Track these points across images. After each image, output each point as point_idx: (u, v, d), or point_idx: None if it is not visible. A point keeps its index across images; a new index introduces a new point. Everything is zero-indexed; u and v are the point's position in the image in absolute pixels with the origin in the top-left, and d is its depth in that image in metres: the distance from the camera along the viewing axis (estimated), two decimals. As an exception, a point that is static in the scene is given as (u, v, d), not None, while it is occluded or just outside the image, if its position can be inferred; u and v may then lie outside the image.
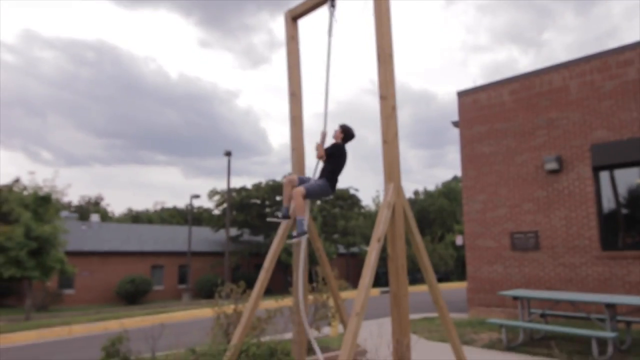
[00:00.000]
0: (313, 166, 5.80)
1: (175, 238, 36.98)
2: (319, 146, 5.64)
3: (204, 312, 15.44)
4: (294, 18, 6.37)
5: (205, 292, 29.99)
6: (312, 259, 6.11)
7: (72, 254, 25.34)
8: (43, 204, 20.29)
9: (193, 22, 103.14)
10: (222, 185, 42.17)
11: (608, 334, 6.60)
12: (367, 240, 35.86)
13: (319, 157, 5.66)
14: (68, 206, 50.04)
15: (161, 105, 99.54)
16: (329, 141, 5.80)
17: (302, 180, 5.72)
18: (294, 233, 5.57)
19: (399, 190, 5.07)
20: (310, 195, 5.52)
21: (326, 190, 5.62)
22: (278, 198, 36.34)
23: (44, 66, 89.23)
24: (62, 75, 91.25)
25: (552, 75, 10.77)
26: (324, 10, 5.98)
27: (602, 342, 6.83)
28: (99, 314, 19.64)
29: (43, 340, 13.00)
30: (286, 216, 5.70)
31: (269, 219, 6.33)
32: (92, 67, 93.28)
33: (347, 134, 5.78)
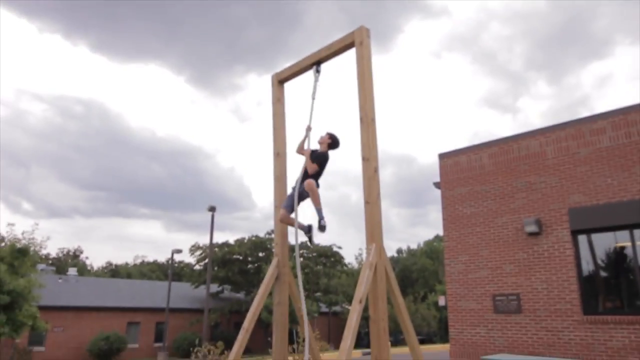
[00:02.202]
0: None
1: (154, 294, 35.93)
2: (309, 163, 5.72)
3: (180, 373, 14.81)
4: (280, 81, 6.55)
5: (183, 352, 28.87)
6: (293, 319, 5.99)
7: (45, 308, 24.37)
8: (19, 256, 19.71)
9: (184, 79, 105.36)
10: (204, 240, 41.66)
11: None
12: (349, 298, 35.27)
13: (299, 153, 5.90)
14: (46, 259, 48.67)
15: (146, 159, 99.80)
16: (314, 144, 5.91)
17: (288, 203, 5.78)
18: (323, 222, 5.57)
19: (381, 250, 5.07)
20: (316, 178, 5.65)
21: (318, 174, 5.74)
22: (261, 254, 35.90)
23: (31, 119, 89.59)
24: (48, 128, 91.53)
25: (529, 140, 11.10)
26: (309, 74, 6.19)
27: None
28: (69, 374, 18.69)
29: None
30: (306, 228, 5.75)
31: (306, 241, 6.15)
32: (79, 120, 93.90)
33: (333, 141, 5.86)
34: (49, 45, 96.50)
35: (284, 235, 6.13)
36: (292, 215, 5.74)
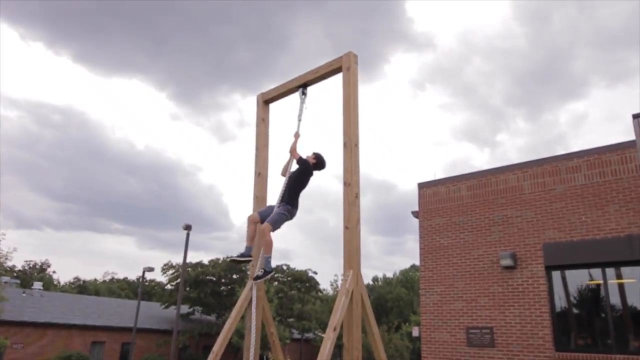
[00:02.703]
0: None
1: (121, 312, 34.95)
2: (294, 144, 5.71)
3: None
4: (265, 102, 6.55)
5: (148, 374, 27.95)
6: (265, 344, 5.85)
7: (6, 323, 23.52)
8: (-17, 267, 19.07)
9: (166, 95, 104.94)
10: (178, 259, 41.01)
11: None
12: (322, 325, 34.84)
13: (292, 152, 5.75)
14: (10, 271, 47.13)
15: (123, 173, 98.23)
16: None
17: (263, 214, 5.59)
18: (260, 272, 5.41)
19: (358, 277, 5.01)
20: (276, 227, 5.38)
21: (289, 214, 5.51)
22: (235, 276, 35.34)
23: (6, 124, 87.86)
24: (23, 135, 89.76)
25: (507, 175, 11.27)
26: (294, 96, 6.21)
27: None
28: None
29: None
30: (247, 255, 5.51)
31: (230, 258, 5.87)
32: (56, 129, 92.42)
33: (319, 161, 5.82)
34: (30, 53, 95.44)
35: (260, 258, 6.04)
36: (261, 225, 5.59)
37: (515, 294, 10.40)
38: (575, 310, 10.11)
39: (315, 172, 5.86)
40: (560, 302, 10.07)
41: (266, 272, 5.44)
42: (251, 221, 5.64)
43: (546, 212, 10.43)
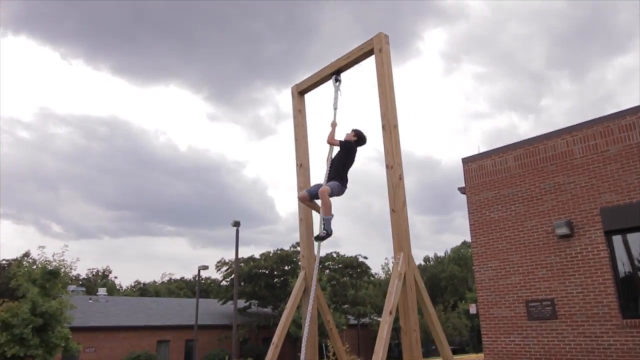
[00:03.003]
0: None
1: (182, 311, 36.18)
2: (331, 133, 5.77)
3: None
4: (300, 93, 6.56)
5: (213, 368, 28.89)
6: (322, 332, 5.91)
7: (77, 329, 24.72)
8: (51, 278, 20.06)
9: (202, 97, 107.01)
10: (230, 255, 41.89)
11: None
12: (378, 310, 34.87)
13: (330, 143, 5.77)
14: (76, 280, 49.53)
15: (170, 176, 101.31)
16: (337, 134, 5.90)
17: (312, 191, 5.75)
18: (322, 233, 5.47)
19: (409, 259, 4.98)
20: (332, 193, 5.51)
21: (341, 189, 5.64)
22: (287, 267, 35.86)
23: (58, 141, 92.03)
24: (74, 150, 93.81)
25: (556, 140, 10.87)
26: (329, 84, 6.19)
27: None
28: (102, 394, 18.84)
29: None
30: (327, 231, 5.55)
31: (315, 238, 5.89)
32: (104, 141, 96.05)
33: (359, 137, 5.86)
34: (72, 70, 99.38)
35: (310, 248, 6.09)
36: (315, 201, 5.77)
37: (575, 262, 10.08)
38: (640, 275, 9.71)
39: (359, 149, 5.92)
40: (624, 268, 9.69)
41: (328, 234, 5.48)
42: (303, 199, 5.83)
43: (601, 175, 10.01)
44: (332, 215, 5.48)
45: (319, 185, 5.70)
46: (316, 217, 6.21)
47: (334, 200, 5.54)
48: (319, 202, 5.68)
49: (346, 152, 5.78)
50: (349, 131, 5.92)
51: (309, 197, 5.77)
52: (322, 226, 5.49)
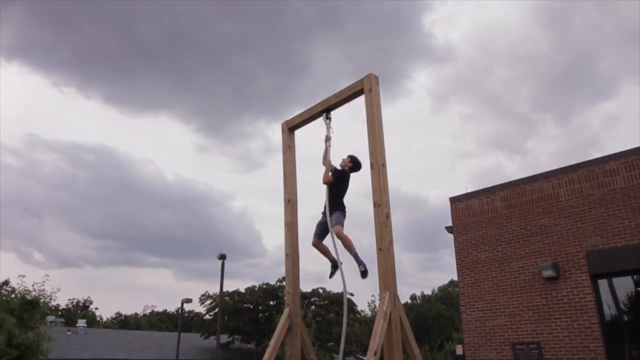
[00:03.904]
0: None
1: (163, 345, 35.27)
2: (325, 172, 5.81)
3: None
4: (290, 129, 6.62)
5: (192, 406, 27.97)
6: (306, 371, 5.79)
7: (53, 362, 23.93)
8: (29, 309, 19.57)
9: (192, 128, 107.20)
10: (214, 289, 41.12)
11: None
12: (363, 348, 34.22)
13: (325, 182, 5.77)
14: (55, 310, 48.27)
15: (156, 206, 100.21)
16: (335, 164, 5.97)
17: (319, 233, 5.84)
18: (362, 268, 5.42)
19: (395, 298, 4.93)
20: (342, 224, 5.59)
21: (343, 217, 5.69)
22: (272, 302, 35.31)
23: (45, 168, 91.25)
24: (60, 177, 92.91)
25: (542, 182, 11.01)
26: (319, 120, 6.25)
27: None
28: None
29: None
30: (335, 265, 5.74)
31: (330, 276, 5.98)
32: (90, 169, 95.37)
33: (355, 163, 5.92)
34: (62, 98, 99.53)
35: (296, 284, 6.03)
36: (325, 243, 5.82)
37: (561, 305, 10.05)
38: (626, 319, 9.68)
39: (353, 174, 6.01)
40: (610, 312, 9.68)
41: (365, 267, 5.45)
42: (316, 245, 5.88)
43: (586, 218, 10.11)
44: (337, 261, 5.62)
45: (322, 225, 5.77)
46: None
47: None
48: (325, 242, 5.78)
49: (341, 182, 5.84)
50: (345, 157, 6.01)
51: (320, 241, 5.85)
52: (358, 263, 5.46)
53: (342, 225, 5.58)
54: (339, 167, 5.98)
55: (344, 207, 5.82)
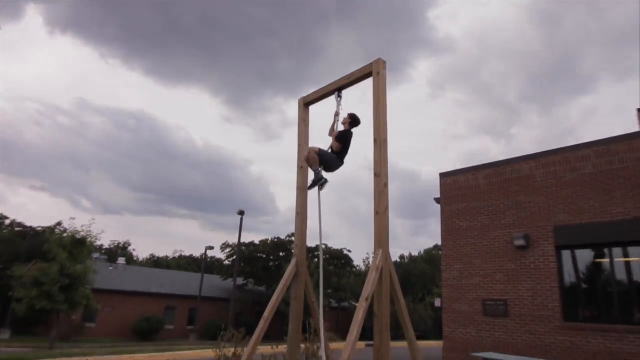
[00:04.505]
0: (314, 227, 5.75)
1: (189, 283, 36.06)
2: (333, 140, 5.72)
3: (207, 353, 14.70)
4: (306, 104, 6.54)
5: (211, 335, 28.73)
6: (307, 311, 5.89)
7: (97, 291, 24.58)
8: (78, 246, 20.01)
9: (220, 101, 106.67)
10: (233, 239, 41.78)
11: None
12: (356, 297, 34.80)
13: (334, 145, 5.69)
14: (99, 249, 49.20)
15: (187, 167, 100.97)
16: (339, 126, 5.92)
17: (324, 157, 5.66)
18: (310, 182, 5.56)
19: (387, 256, 4.96)
20: (322, 157, 5.52)
21: (337, 163, 5.63)
22: (281, 254, 35.79)
23: (92, 129, 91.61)
24: (105, 137, 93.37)
25: (521, 165, 10.90)
26: (330, 99, 6.17)
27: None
28: (114, 348, 18.72)
29: (60, 370, 12.28)
30: (320, 178, 5.59)
31: (309, 188, 5.88)
32: (131, 131, 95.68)
33: (353, 120, 5.79)
34: (109, 69, 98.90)
35: (303, 239, 6.07)
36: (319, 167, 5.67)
37: (528, 270, 10.10)
38: (583, 286, 9.72)
39: (352, 140, 5.87)
40: (569, 278, 9.72)
41: (314, 182, 5.50)
42: (307, 157, 5.73)
43: (557, 197, 10.04)
44: (320, 170, 5.52)
45: (324, 157, 5.63)
46: (310, 214, 6.20)
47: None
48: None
49: (343, 141, 5.70)
50: (345, 115, 5.88)
51: (315, 157, 5.60)
52: (315, 173, 5.54)
53: (320, 154, 5.51)
54: (342, 127, 5.85)
55: (342, 159, 5.70)
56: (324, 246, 37.07)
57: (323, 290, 5.47)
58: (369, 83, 5.59)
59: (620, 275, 9.11)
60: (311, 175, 6.09)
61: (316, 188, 5.61)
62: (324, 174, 5.65)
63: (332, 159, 5.61)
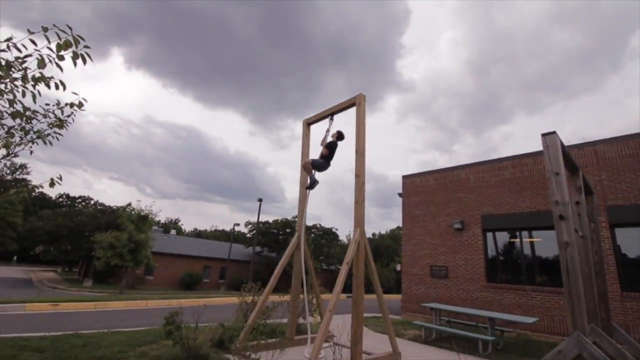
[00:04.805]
0: (313, 215, 5.83)
1: (220, 250, 35.99)
2: (323, 147, 5.70)
3: (233, 300, 14.71)
4: (308, 124, 6.56)
5: (236, 287, 28.74)
6: (305, 271, 5.92)
7: (155, 253, 24.54)
8: (142, 220, 19.95)
9: (247, 120, 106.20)
10: (253, 219, 41.58)
11: (489, 338, 6.28)
12: (340, 262, 34.85)
13: (324, 151, 5.68)
14: (157, 223, 48.88)
15: (222, 167, 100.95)
16: (329, 138, 5.90)
17: (314, 163, 5.72)
18: (308, 185, 5.61)
19: (362, 233, 5.01)
20: (314, 164, 5.54)
21: (325, 165, 5.60)
22: (288, 230, 35.72)
23: (155, 138, 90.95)
24: (165, 144, 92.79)
25: (459, 171, 10.95)
26: (325, 121, 6.19)
27: (485, 343, 6.48)
28: (166, 295, 18.68)
29: (129, 308, 12.25)
30: (312, 182, 5.66)
31: (307, 189, 5.84)
32: (183, 140, 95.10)
33: (339, 135, 5.81)
34: (168, 95, 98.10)
35: (304, 219, 6.10)
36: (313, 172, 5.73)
37: (463, 246, 10.17)
38: (500, 258, 9.81)
39: (337, 151, 5.89)
40: (491, 252, 9.80)
41: (311, 184, 5.51)
42: (305, 166, 5.76)
43: (484, 195, 10.11)
44: (316, 180, 5.61)
45: (314, 162, 5.69)
46: (310, 200, 6.22)
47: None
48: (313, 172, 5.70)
49: (330, 149, 5.71)
50: (334, 131, 5.87)
51: (310, 169, 5.70)
52: (309, 178, 5.61)
53: (314, 163, 5.53)
54: (331, 139, 5.88)
55: (328, 163, 5.69)
56: (318, 225, 36.42)
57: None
58: (353, 110, 5.63)
59: (527, 250, 9.20)
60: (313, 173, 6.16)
61: (310, 186, 5.71)
62: (317, 176, 5.71)
63: (321, 163, 5.63)
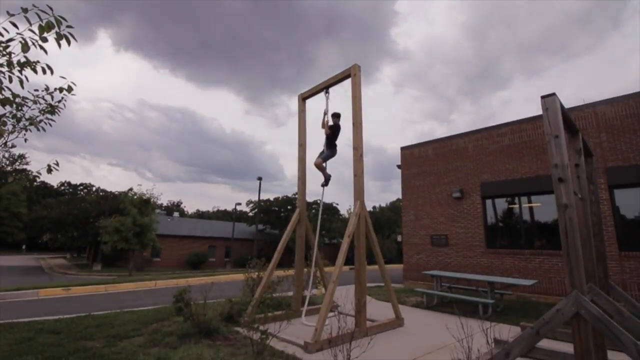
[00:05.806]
0: (313, 191, 5.90)
1: (224, 229, 36.45)
2: (325, 126, 5.76)
3: (239, 277, 15.05)
4: (303, 98, 6.42)
5: (241, 264, 29.38)
6: (308, 245, 6.00)
7: (160, 235, 24.86)
8: (145, 204, 20.03)
9: (242, 99, 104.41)
10: (254, 197, 41.78)
11: (489, 301, 6.46)
12: (342, 235, 35.39)
13: (326, 134, 5.74)
14: (160, 206, 49.23)
15: (219, 148, 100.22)
16: (329, 120, 5.90)
17: (321, 156, 5.83)
18: (323, 182, 5.81)
19: (362, 205, 5.02)
20: (324, 158, 5.68)
21: (332, 155, 5.73)
22: (289, 207, 36.01)
23: (150, 121, 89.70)
24: (160, 127, 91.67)
25: (458, 140, 10.85)
26: (321, 95, 6.04)
27: (485, 306, 6.67)
28: (174, 274, 19.10)
29: (138, 289, 12.56)
30: (326, 180, 5.86)
31: (323, 186, 5.99)
32: (179, 123, 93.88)
33: (337, 116, 5.85)
34: (159, 76, 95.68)
35: (304, 195, 6.11)
36: (324, 165, 5.82)
37: (463, 214, 10.26)
38: (500, 224, 9.92)
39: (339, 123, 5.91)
40: (490, 219, 9.89)
41: (326, 181, 5.74)
42: (317, 165, 5.80)
43: (483, 163, 10.08)
44: (329, 175, 5.80)
45: (321, 153, 5.80)
46: (308, 178, 6.22)
47: (332, 163, 5.73)
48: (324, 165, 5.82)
49: (332, 130, 5.72)
50: (331, 114, 5.85)
51: (322, 162, 5.80)
52: (324, 176, 5.79)
53: (322, 159, 5.64)
54: (331, 123, 5.84)
55: (335, 147, 5.73)
56: (318, 201, 36.91)
57: (319, 232, 5.58)
58: (348, 82, 5.48)
59: (526, 215, 9.29)
60: (309, 155, 6.14)
61: (325, 183, 5.86)
62: (328, 171, 5.82)
63: (327, 155, 5.70)
